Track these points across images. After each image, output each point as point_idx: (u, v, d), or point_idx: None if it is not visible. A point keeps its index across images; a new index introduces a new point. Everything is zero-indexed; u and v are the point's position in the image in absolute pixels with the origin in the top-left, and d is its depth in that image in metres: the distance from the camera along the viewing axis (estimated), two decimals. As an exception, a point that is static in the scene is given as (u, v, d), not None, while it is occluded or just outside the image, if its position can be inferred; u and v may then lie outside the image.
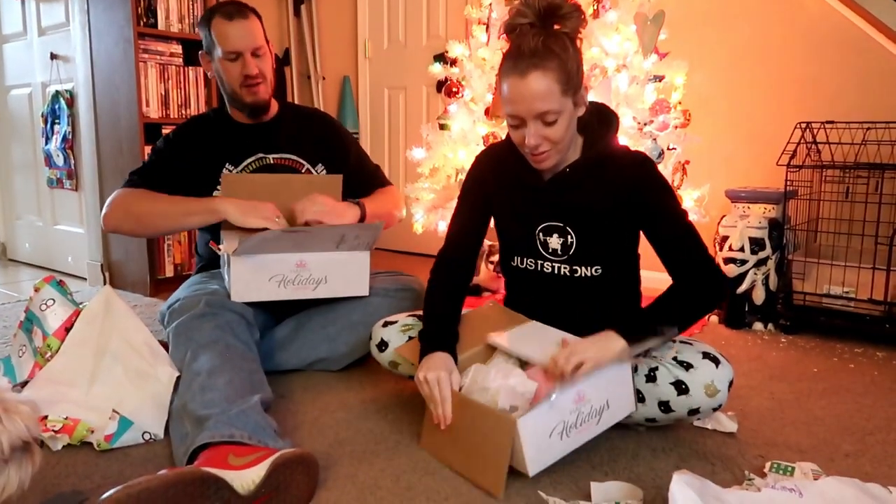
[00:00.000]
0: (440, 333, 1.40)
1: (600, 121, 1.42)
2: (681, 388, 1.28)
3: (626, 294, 1.50)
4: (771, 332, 2.29)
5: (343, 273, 1.69)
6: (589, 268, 1.42)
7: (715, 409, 1.31)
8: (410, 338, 1.49)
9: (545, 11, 1.26)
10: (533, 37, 1.25)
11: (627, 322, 1.29)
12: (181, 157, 1.79)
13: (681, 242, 1.36)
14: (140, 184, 1.75)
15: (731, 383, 1.30)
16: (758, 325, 2.32)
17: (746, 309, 2.33)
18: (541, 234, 1.44)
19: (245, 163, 1.81)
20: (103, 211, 1.72)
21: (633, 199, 1.37)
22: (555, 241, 1.43)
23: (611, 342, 1.25)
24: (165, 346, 1.53)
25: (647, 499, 1.16)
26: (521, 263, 1.48)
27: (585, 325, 1.33)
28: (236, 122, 1.84)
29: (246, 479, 1.06)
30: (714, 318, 2.41)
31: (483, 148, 1.63)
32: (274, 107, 1.88)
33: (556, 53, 1.25)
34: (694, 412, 1.30)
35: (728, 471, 1.28)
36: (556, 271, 1.44)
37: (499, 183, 1.48)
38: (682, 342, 1.36)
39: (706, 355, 1.30)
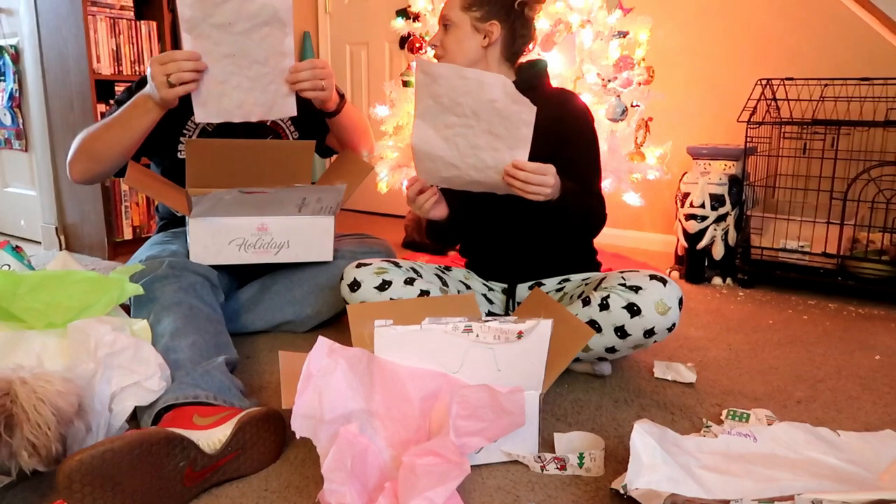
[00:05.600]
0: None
1: (531, 64, 1.57)
2: (633, 309, 1.32)
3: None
4: (729, 287, 2.35)
5: (306, 238, 1.66)
6: None
7: (670, 330, 1.33)
8: (384, 280, 1.46)
9: None
10: None
11: (567, 186, 1.39)
12: None
13: (583, 173, 1.50)
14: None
15: (681, 301, 1.34)
16: (717, 280, 2.38)
17: (706, 264, 2.38)
18: None
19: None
20: (67, 165, 1.61)
21: (556, 128, 1.47)
22: None
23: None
24: (127, 308, 1.50)
25: (609, 448, 1.19)
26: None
27: (541, 235, 1.45)
28: None
29: (212, 438, 1.06)
30: (675, 274, 2.46)
31: None
32: None
33: None
34: (650, 333, 1.33)
35: (687, 419, 1.33)
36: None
37: None
38: (629, 271, 1.40)
39: (653, 276, 1.35)
